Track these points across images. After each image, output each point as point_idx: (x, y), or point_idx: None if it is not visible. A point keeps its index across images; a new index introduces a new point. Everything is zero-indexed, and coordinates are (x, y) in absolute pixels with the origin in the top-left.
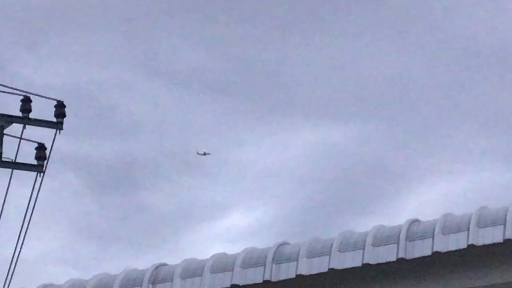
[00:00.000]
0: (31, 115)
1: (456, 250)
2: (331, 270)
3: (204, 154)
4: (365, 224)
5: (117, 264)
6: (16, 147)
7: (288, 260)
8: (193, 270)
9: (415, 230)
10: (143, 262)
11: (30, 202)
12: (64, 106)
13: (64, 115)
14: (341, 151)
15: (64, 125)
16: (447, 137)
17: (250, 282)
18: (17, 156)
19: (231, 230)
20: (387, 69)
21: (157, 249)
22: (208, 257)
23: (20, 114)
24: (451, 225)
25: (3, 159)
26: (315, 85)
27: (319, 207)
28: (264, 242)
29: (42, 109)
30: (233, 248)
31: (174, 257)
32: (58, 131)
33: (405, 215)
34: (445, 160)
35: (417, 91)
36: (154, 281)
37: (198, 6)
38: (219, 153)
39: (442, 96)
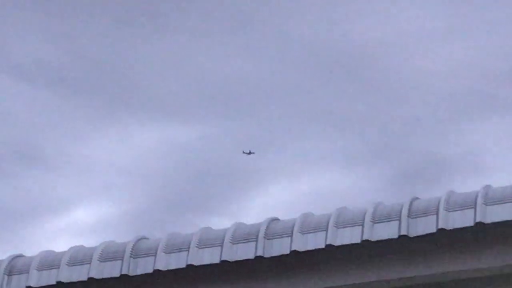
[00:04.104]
0: None
1: (315, 250)
2: (190, 266)
3: (249, 153)
4: (212, 223)
5: None
6: None
7: (146, 255)
8: (50, 262)
9: (274, 228)
10: None
11: None
12: None
13: None
14: (189, 150)
15: None
16: (293, 139)
17: (107, 275)
18: None
19: (77, 225)
20: (233, 68)
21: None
22: (64, 249)
23: None
24: (309, 225)
25: None
26: (162, 83)
27: (166, 205)
28: (111, 237)
29: None
30: (80, 243)
31: (16, 250)
32: None
33: (253, 215)
34: (291, 162)
35: (264, 91)
36: (10, 272)
37: (45, 0)
38: (63, 148)
39: (289, 97)
